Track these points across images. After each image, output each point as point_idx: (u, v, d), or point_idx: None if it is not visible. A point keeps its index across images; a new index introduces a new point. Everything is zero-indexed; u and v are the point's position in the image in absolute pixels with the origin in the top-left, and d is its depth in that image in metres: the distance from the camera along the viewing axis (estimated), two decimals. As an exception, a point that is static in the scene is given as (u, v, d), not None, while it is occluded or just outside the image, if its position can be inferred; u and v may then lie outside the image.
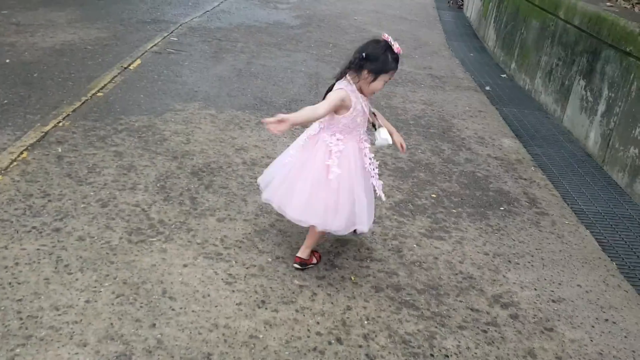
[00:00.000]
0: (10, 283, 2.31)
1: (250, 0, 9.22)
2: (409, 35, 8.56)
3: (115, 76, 4.88)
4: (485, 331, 2.50)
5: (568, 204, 3.91)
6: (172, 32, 6.56)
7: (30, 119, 3.86)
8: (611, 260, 3.28)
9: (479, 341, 2.42)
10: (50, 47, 5.55)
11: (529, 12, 6.84)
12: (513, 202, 3.78)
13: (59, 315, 2.16)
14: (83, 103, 4.23)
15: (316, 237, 2.68)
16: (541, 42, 6.28)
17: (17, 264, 2.43)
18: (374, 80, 2.48)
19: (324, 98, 2.52)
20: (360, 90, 2.53)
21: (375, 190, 2.70)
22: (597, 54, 4.94)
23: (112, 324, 2.16)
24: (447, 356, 2.31)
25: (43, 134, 3.63)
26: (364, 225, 2.61)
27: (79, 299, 2.26)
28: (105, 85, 4.65)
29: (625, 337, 2.63)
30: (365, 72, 2.46)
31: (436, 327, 2.47)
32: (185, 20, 7.22)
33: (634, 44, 4.37)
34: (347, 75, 2.51)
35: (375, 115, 2.71)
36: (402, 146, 2.75)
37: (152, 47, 5.86)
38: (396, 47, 2.51)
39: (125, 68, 5.11)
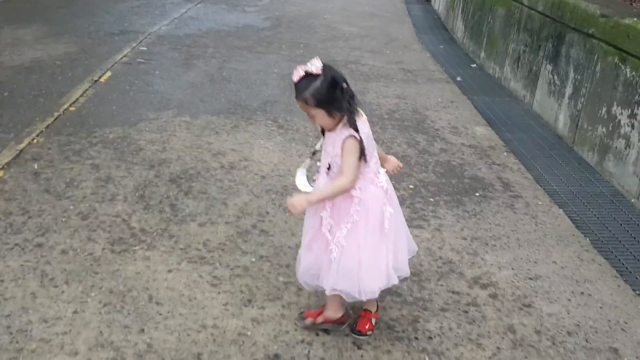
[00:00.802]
0: (-4, 300, 2.32)
1: (217, 5, 9.23)
2: (379, 31, 8.65)
3: (87, 90, 4.87)
4: (466, 312, 2.58)
5: (541, 186, 4.01)
6: (140, 42, 6.56)
7: (3, 137, 3.85)
8: (585, 236, 3.39)
9: (460, 322, 2.50)
10: (18, 65, 5.52)
11: (494, 0, 6.97)
12: (488, 188, 3.88)
13: (48, 327, 2.19)
14: (56, 119, 4.23)
15: None
16: (507, 30, 6.41)
17: (2, 280, 2.44)
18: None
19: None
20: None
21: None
22: (562, 38, 5.06)
23: (101, 332, 2.19)
24: (431, 338, 2.38)
25: (18, 151, 3.63)
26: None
27: (67, 310, 2.29)
28: (76, 99, 4.64)
29: (601, 307, 2.73)
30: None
31: (419, 311, 2.54)
32: (154, 29, 7.21)
33: (595, 26, 4.50)
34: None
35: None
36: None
37: (121, 58, 5.85)
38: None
39: (95, 81, 5.11)
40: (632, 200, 3.86)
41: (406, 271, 2.27)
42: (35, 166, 3.47)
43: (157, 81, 5.30)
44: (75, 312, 2.28)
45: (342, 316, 2.31)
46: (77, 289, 2.42)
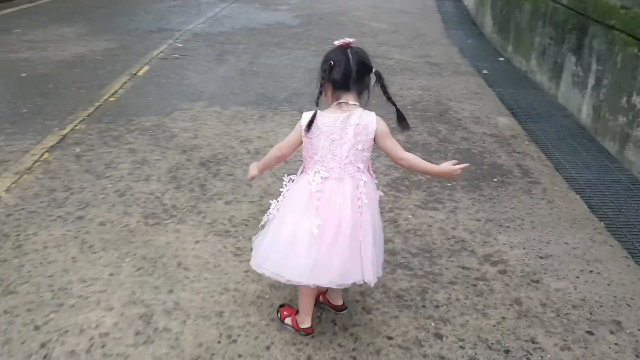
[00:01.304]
0: (41, 263, 2.58)
1: (251, 5, 9.50)
2: (408, 26, 8.77)
3: (125, 82, 5.16)
4: (474, 285, 2.71)
5: (560, 173, 4.09)
6: (176, 39, 6.85)
7: (48, 124, 4.15)
8: (599, 220, 3.46)
9: (468, 293, 2.64)
10: (62, 59, 5.86)
11: (521, -5, 7.02)
12: (506, 174, 3.98)
13: (87, 286, 2.43)
14: (97, 108, 4.52)
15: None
16: (534, 24, 6.46)
17: (46, 247, 2.70)
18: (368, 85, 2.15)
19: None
20: None
21: None
22: (585, 30, 5.11)
23: (134, 291, 2.42)
24: (438, 307, 2.52)
25: (61, 136, 3.92)
26: None
27: (104, 272, 2.53)
28: (116, 91, 4.93)
29: (608, 285, 2.82)
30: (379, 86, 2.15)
31: (428, 283, 2.69)
32: (189, 27, 7.51)
33: (616, 18, 4.54)
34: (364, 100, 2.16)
35: None
36: None
37: (158, 54, 6.15)
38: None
39: (134, 74, 5.40)
40: (647, 186, 3.91)
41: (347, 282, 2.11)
42: (77, 150, 3.75)
43: (191, 75, 5.56)
44: (110, 274, 2.52)
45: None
46: (113, 255, 2.66)
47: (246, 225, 3.04)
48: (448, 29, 8.97)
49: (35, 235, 2.79)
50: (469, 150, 4.33)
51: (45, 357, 2.06)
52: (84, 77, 5.29)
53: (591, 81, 4.91)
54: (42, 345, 2.11)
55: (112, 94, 4.83)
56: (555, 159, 4.33)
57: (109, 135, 4.03)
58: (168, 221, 3.00)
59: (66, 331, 2.18)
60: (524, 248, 3.07)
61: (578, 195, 3.76)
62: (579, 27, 5.24)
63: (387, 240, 3.02)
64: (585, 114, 5.00)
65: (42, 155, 3.65)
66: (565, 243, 3.16)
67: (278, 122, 4.54)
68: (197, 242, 2.84)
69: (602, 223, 3.44)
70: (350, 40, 2.08)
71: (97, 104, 4.60)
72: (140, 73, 5.46)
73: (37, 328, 2.19)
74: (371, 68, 2.10)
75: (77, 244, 2.72)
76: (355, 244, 2.04)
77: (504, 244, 3.10)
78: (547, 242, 3.15)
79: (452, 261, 2.89)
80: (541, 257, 3.00)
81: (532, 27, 6.50)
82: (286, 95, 5.16)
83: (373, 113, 2.12)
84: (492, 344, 2.33)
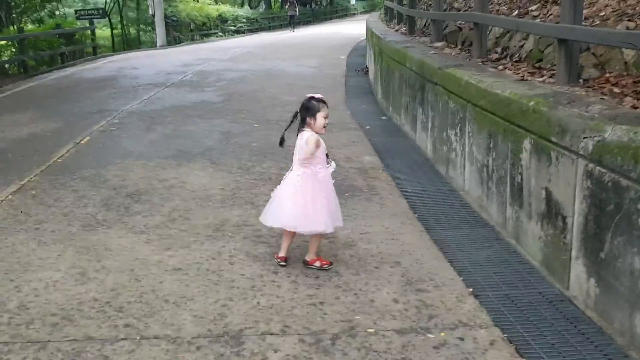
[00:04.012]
0: (12, 252, 3.82)
1: (181, 89, 11.09)
2: (314, 98, 10.46)
3: (70, 149, 6.51)
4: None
5: (398, 189, 5.56)
6: (114, 117, 8.28)
7: (10, 179, 5.43)
8: (414, 213, 4.91)
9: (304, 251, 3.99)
10: (17, 137, 7.18)
11: (394, 66, 8.82)
12: (356, 190, 5.43)
13: (43, 261, 3.68)
14: (47, 167, 5.83)
15: (316, 243, 3.82)
16: (401, 87, 8.20)
17: (14, 244, 3.94)
18: (315, 120, 3.68)
19: (281, 142, 3.82)
20: (317, 131, 3.71)
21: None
22: (424, 87, 6.81)
23: (74, 262, 3.68)
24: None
25: (20, 185, 5.21)
26: (341, 221, 3.91)
27: (54, 254, 3.79)
28: (62, 155, 6.27)
29: (401, 245, 4.21)
30: (309, 119, 3.68)
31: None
32: (126, 108, 8.97)
33: (437, 76, 6.24)
34: (305, 127, 3.69)
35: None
36: None
37: (98, 128, 7.55)
38: (317, 95, 3.77)
39: (77, 143, 6.75)
40: (461, 192, 5.43)
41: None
42: (33, 192, 5.04)
43: (124, 141, 6.94)
44: (59, 255, 3.80)
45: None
46: (61, 246, 3.94)
47: (157, 227, 4.35)
48: (348, 98, 10.72)
49: (6, 240, 4.04)
50: (335, 178, 5.77)
51: (17, 290, 3.30)
52: (36, 148, 6.61)
53: (429, 124, 6.55)
54: (16, 287, 3.35)
55: (60, 157, 6.16)
56: (398, 181, 5.82)
57: (57, 182, 5.33)
58: (99, 228, 4.30)
59: (30, 280, 3.42)
60: (351, 229, 4.46)
61: (405, 200, 5.22)
62: (421, 86, 6.94)
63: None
64: (429, 149, 6.60)
65: (7, 197, 4.91)
66: (382, 225, 4.58)
67: (192, 168, 5.93)
68: (119, 237, 4.14)
69: (416, 215, 4.89)
70: (312, 95, 3.77)
71: (47, 164, 5.90)
72: (82, 142, 6.82)
73: (12, 280, 3.43)
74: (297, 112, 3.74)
75: (35, 243, 3.99)
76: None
77: (338, 228, 4.49)
78: (370, 226, 4.56)
79: (304, 241, 4.26)
80: (361, 234, 4.40)
81: (400, 90, 8.24)
82: (200, 150, 6.59)
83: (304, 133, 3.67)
84: (308, 274, 3.68)
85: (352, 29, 27.07)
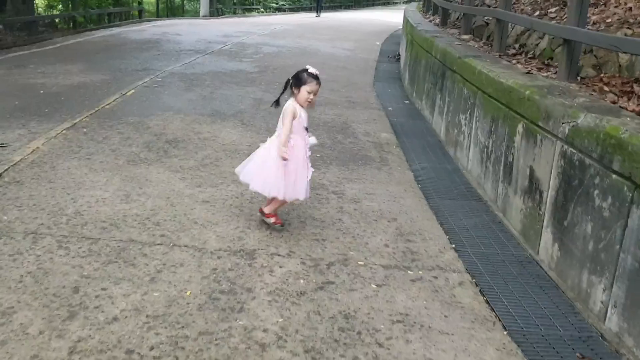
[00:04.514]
0: (67, 174, 4.50)
1: (220, 57, 11.73)
2: (344, 79, 11.01)
3: (117, 98, 7.20)
4: (319, 200, 4.67)
5: (408, 163, 6.13)
6: (157, 75, 8.96)
7: (64, 117, 6.14)
8: (417, 183, 5.47)
9: (315, 206, 4.59)
10: (69, 84, 7.89)
11: (421, 54, 9.31)
12: (369, 160, 6.01)
13: (94, 183, 4.35)
14: (96, 111, 6.52)
15: (276, 204, 3.96)
16: (425, 74, 8.70)
17: (69, 169, 4.62)
18: (299, 92, 3.69)
19: (276, 103, 3.89)
20: (300, 104, 3.75)
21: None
22: (444, 75, 7.31)
23: (119, 186, 4.35)
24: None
25: (73, 123, 5.90)
26: (302, 195, 3.89)
27: (103, 179, 4.46)
28: (110, 103, 6.96)
29: (401, 206, 4.79)
30: (294, 89, 3.71)
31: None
32: (168, 69, 9.65)
33: (456, 65, 6.74)
34: (292, 96, 3.74)
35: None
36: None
37: (142, 83, 8.23)
38: (312, 69, 3.75)
39: (123, 94, 7.44)
40: (464, 171, 5.96)
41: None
42: (85, 130, 5.73)
43: (165, 97, 7.61)
44: (107, 180, 4.46)
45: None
46: (109, 174, 4.61)
47: (190, 169, 5.00)
48: (377, 81, 11.24)
49: (63, 164, 4.72)
50: (352, 148, 6.38)
51: (74, 201, 3.98)
52: (87, 95, 7.31)
53: (445, 109, 7.07)
54: (72, 199, 4.03)
55: (108, 104, 6.86)
56: (409, 156, 6.37)
57: (105, 124, 6.02)
58: (141, 164, 4.96)
59: (83, 196, 4.10)
60: (359, 190, 5.05)
61: (412, 173, 5.78)
62: (442, 73, 7.45)
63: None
64: (442, 132, 7.12)
65: (62, 131, 5.61)
66: (387, 190, 5.16)
67: (224, 126, 6.56)
68: (158, 173, 4.80)
69: (419, 185, 5.45)
70: (307, 67, 3.80)
71: (97, 109, 6.60)
72: (128, 94, 7.51)
73: (69, 194, 4.11)
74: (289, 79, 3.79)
75: (87, 169, 4.68)
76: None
77: (348, 188, 5.08)
78: (376, 189, 5.14)
79: (316, 193, 4.86)
80: (367, 194, 4.99)
81: (425, 77, 8.74)
82: (233, 112, 7.22)
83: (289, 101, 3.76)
84: (315, 218, 4.28)
85: (392, 17, 27.40)
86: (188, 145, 5.67)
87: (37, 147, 5.09)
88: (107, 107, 6.78)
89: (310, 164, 3.95)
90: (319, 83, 3.77)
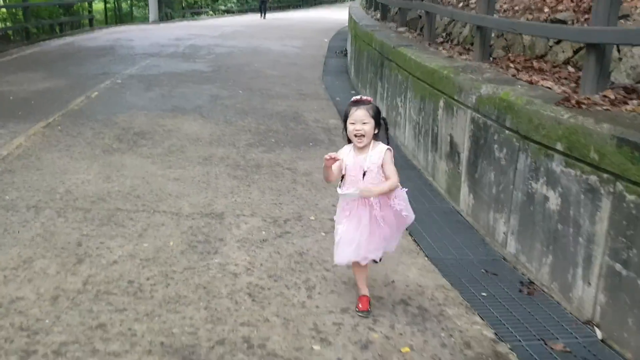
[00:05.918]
0: (53, 162, 5.10)
1: (175, 59, 12.30)
2: (295, 74, 11.74)
3: (83, 100, 7.74)
4: (276, 176, 5.39)
5: (353, 142, 6.90)
6: (117, 78, 9.51)
7: (38, 118, 6.67)
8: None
9: (272, 180, 5.31)
10: (36, 90, 8.38)
11: (364, 47, 10.12)
12: (319, 142, 6.76)
13: (77, 167, 4.97)
14: (67, 111, 7.07)
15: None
16: (367, 65, 9.52)
17: (52, 158, 5.21)
18: (346, 130, 3.12)
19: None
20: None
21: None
22: (383, 64, 8.14)
23: (99, 170, 4.97)
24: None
25: (48, 122, 6.45)
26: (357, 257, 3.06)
27: (84, 165, 5.07)
28: (77, 104, 7.51)
29: (346, 176, 5.56)
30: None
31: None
32: (126, 71, 10.19)
33: (391, 54, 7.56)
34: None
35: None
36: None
37: (104, 85, 8.79)
38: (355, 97, 3.08)
39: (88, 96, 7.99)
40: (401, 147, 6.78)
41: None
42: (59, 127, 6.29)
43: (127, 97, 8.19)
44: (87, 166, 5.06)
45: None
46: (88, 161, 5.21)
47: (159, 155, 5.64)
48: (325, 75, 12.01)
49: (46, 155, 5.31)
50: (303, 133, 7.11)
51: (62, 183, 4.59)
52: (54, 98, 7.83)
53: (385, 94, 7.89)
54: (61, 181, 4.64)
55: (75, 105, 7.41)
56: (354, 137, 7.15)
57: (77, 122, 6.60)
58: (115, 153, 5.59)
59: (70, 179, 4.71)
60: (309, 166, 5.77)
61: (357, 150, 6.55)
62: (381, 63, 8.27)
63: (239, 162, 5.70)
64: (384, 115, 7.92)
65: (39, 129, 6.17)
66: (334, 164, 5.91)
67: (185, 119, 7.20)
68: (132, 159, 5.44)
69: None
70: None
71: (66, 109, 7.15)
72: (93, 96, 8.06)
73: (57, 178, 4.72)
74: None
75: (68, 158, 5.28)
76: None
77: (300, 165, 5.80)
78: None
79: (273, 170, 5.57)
80: (317, 168, 5.71)
81: (367, 67, 9.56)
82: (192, 107, 7.86)
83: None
84: (272, 188, 5.01)
85: (339, 15, 28.28)
86: (154, 137, 6.30)
87: (20, 143, 5.65)
88: (75, 107, 7.33)
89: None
90: (357, 107, 3.07)
